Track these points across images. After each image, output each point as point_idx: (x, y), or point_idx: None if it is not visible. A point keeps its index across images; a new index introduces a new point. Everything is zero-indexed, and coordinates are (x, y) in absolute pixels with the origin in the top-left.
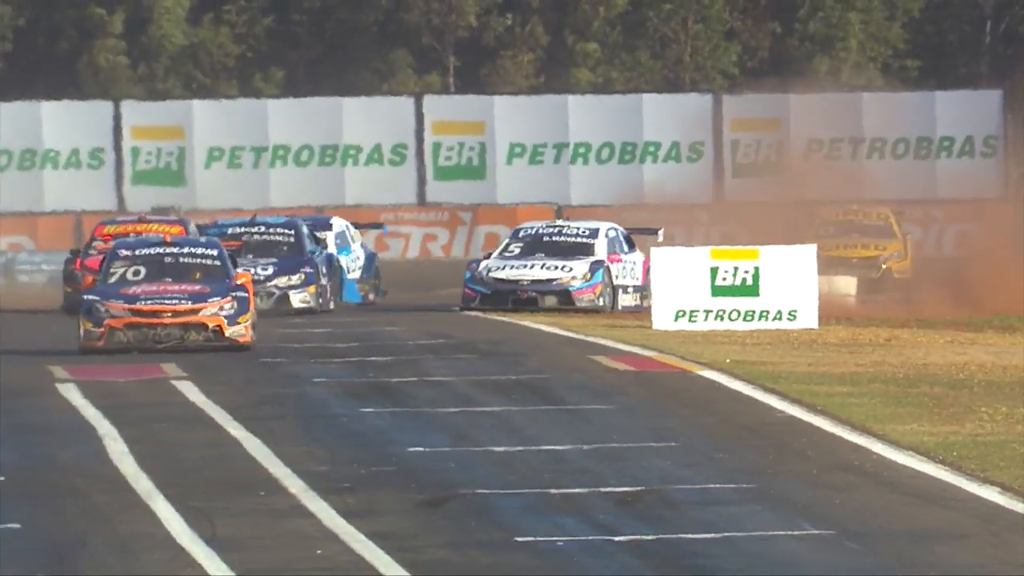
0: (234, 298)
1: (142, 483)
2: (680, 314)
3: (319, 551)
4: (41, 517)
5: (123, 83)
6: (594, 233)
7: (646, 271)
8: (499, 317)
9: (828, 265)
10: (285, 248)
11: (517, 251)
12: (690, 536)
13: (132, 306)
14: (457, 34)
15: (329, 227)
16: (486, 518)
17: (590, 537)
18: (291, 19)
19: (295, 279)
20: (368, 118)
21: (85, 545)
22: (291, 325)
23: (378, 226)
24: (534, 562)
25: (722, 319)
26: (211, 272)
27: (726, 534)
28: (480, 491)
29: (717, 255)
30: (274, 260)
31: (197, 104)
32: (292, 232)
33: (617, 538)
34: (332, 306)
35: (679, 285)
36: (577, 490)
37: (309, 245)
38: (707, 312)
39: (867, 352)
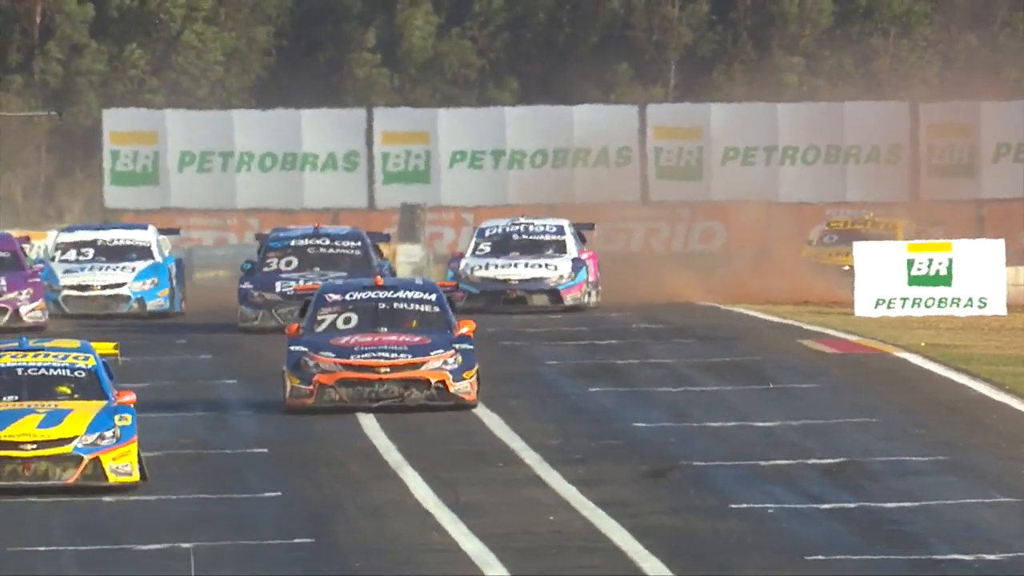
0: (458, 350)
1: (392, 455)
2: (880, 302)
3: (552, 517)
4: (300, 485)
5: (376, 92)
6: (560, 230)
7: (597, 267)
8: (709, 304)
9: (821, 272)
10: (350, 261)
11: (488, 249)
12: (889, 504)
13: (345, 360)
14: (677, 49)
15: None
16: (703, 487)
17: (797, 505)
18: (525, 34)
19: None
20: (595, 124)
21: (340, 511)
22: (527, 310)
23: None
24: (747, 527)
25: (918, 306)
26: (430, 320)
27: (922, 502)
28: (698, 463)
29: (913, 248)
30: (343, 274)
31: (442, 112)
32: (358, 244)
33: (822, 506)
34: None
35: (879, 275)
36: (786, 462)
37: (375, 258)
38: (904, 300)
39: None
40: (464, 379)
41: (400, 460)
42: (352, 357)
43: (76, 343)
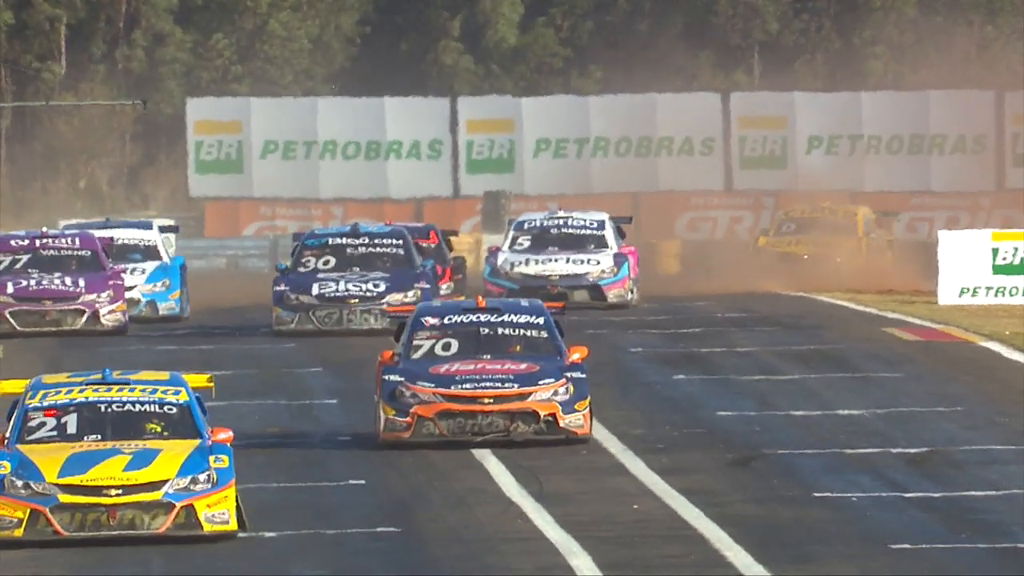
0: (569, 379)
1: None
2: (964, 290)
3: (636, 505)
4: (384, 474)
5: (460, 80)
6: (600, 224)
7: (636, 263)
8: (799, 293)
9: (779, 261)
10: (391, 261)
11: (527, 244)
12: (973, 493)
13: (445, 390)
14: (759, 37)
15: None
16: (787, 475)
17: (882, 493)
18: (608, 22)
19: (410, 296)
20: (679, 113)
21: (424, 499)
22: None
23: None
24: (831, 515)
25: (1002, 295)
26: (537, 345)
27: (1007, 491)
28: (782, 451)
29: (998, 237)
30: (384, 275)
31: (526, 100)
32: (400, 243)
33: (907, 494)
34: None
35: (963, 264)
36: (870, 450)
37: (418, 258)
38: (988, 288)
39: None
40: (576, 411)
41: (483, 448)
42: (453, 387)
43: (165, 375)
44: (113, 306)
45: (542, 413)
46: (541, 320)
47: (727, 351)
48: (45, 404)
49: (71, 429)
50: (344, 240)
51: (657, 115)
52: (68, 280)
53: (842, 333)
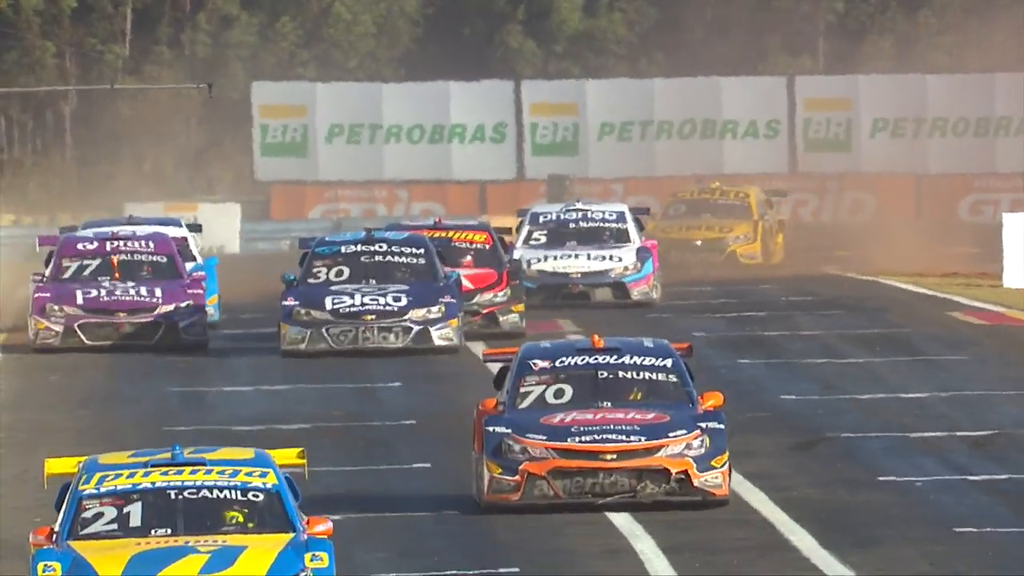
0: (704, 431)
1: None
2: None
3: None
4: (449, 457)
5: (524, 64)
6: (621, 216)
7: (656, 256)
8: (863, 276)
9: (670, 247)
10: (412, 272)
11: (543, 239)
12: None
13: (561, 444)
14: (826, 19)
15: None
16: (851, 459)
17: (946, 477)
18: (673, 6)
19: (435, 311)
20: (744, 96)
21: None
22: (681, 282)
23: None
24: (895, 499)
25: None
26: (665, 392)
27: None
28: (846, 435)
29: None
30: (405, 288)
31: (590, 84)
32: (421, 251)
33: (971, 477)
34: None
35: None
36: (934, 433)
37: (441, 269)
38: None
39: None
40: (713, 467)
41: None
42: (569, 440)
43: (249, 452)
44: (192, 319)
45: (673, 470)
46: (669, 362)
47: (791, 335)
48: (103, 491)
49: (135, 521)
50: (359, 248)
51: (722, 98)
52: (144, 289)
53: (906, 316)
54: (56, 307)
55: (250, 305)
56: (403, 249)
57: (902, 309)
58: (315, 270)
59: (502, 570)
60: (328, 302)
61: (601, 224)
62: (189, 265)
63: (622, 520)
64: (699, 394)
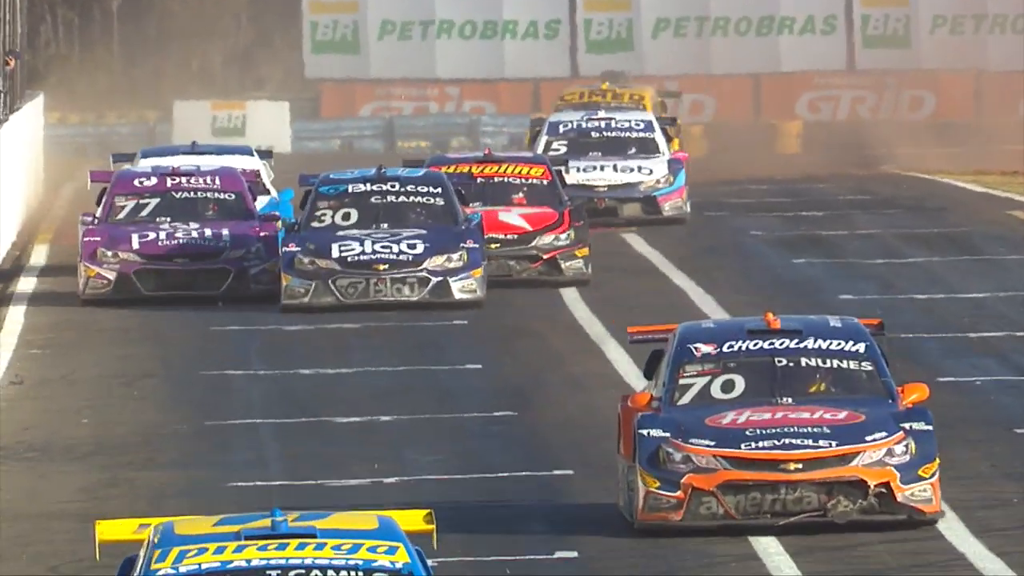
0: (909, 433)
1: (595, 327)
2: None
3: None
4: (500, 358)
5: None
6: (649, 125)
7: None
8: (922, 175)
9: None
10: (428, 214)
11: (563, 149)
12: None
13: (732, 451)
14: None
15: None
16: (911, 359)
17: (1006, 377)
18: None
19: (455, 259)
20: None
21: (541, 384)
22: (738, 182)
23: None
24: (955, 399)
25: None
26: (856, 384)
27: None
28: (904, 335)
29: None
30: (421, 232)
31: None
32: (439, 190)
33: None
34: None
35: None
36: (994, 334)
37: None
38: None
39: None
40: (921, 478)
41: (602, 332)
42: (743, 446)
43: (372, 521)
44: (265, 264)
45: (872, 483)
46: (861, 347)
47: (849, 234)
48: (182, 571)
49: None
50: (368, 187)
51: None
52: (208, 231)
53: (966, 216)
54: (109, 252)
55: None
56: (418, 188)
57: (961, 208)
58: (319, 212)
59: (556, 472)
60: (335, 249)
61: (626, 134)
62: (263, 201)
63: None
64: (898, 385)
